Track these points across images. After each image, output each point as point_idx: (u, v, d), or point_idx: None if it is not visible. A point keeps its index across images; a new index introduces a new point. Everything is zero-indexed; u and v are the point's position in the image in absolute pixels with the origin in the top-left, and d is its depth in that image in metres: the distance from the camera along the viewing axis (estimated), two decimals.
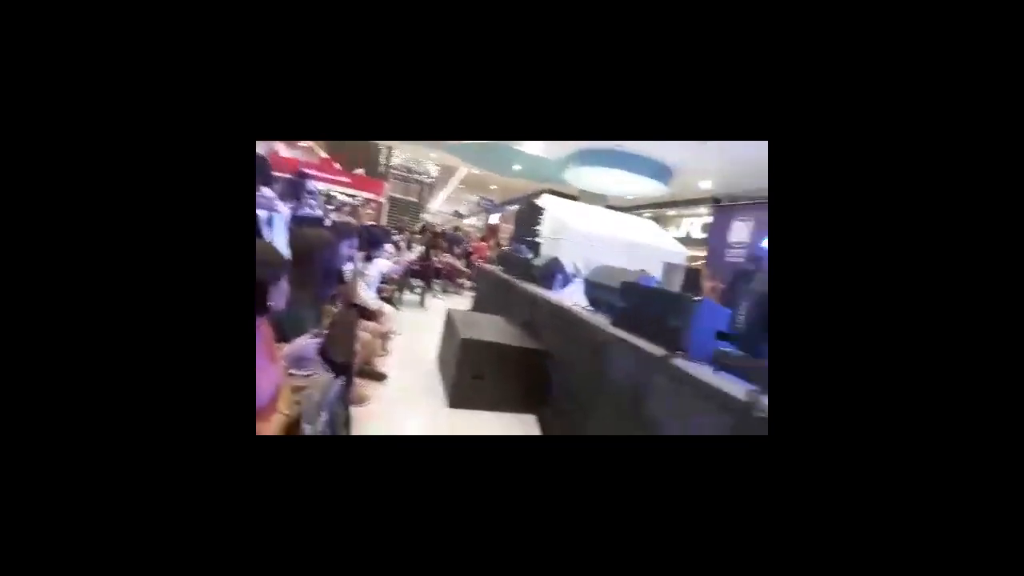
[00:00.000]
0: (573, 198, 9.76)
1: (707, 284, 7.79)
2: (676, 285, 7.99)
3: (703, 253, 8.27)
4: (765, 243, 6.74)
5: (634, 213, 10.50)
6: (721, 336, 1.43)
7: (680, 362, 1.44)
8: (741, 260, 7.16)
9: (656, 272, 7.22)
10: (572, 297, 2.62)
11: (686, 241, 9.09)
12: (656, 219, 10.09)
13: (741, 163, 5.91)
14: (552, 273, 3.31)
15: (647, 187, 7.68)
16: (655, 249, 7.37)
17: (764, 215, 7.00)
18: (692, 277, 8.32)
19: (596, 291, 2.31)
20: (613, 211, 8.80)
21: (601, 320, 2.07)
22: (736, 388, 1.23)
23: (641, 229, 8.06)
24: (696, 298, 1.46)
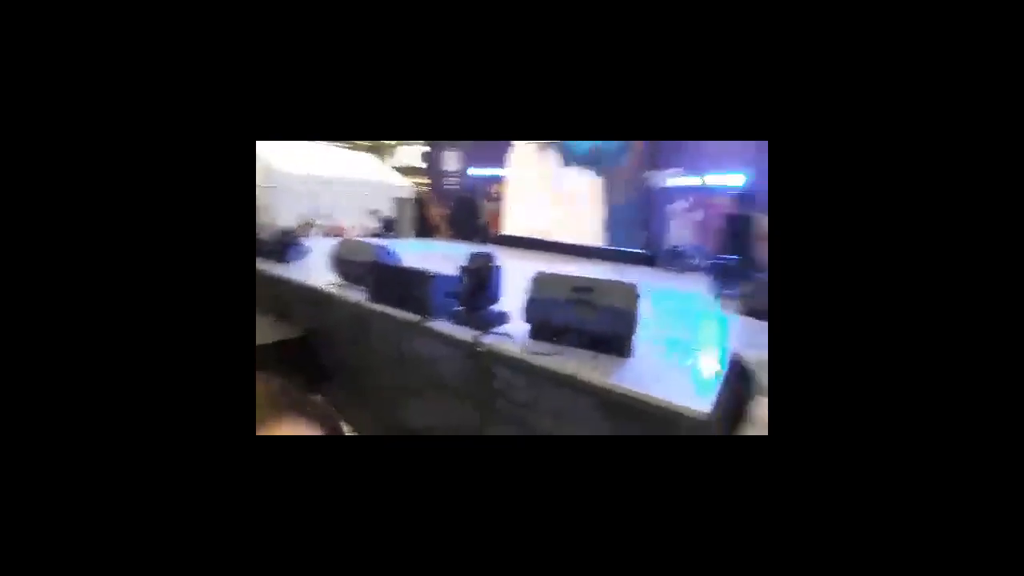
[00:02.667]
0: None
1: (435, 211, 8.65)
2: (409, 219, 8.36)
3: (428, 181, 9.00)
4: (470, 171, 7.97)
5: (350, 145, 9.91)
6: (450, 294, 1.97)
7: (430, 323, 1.92)
8: (457, 187, 8.25)
9: (386, 207, 7.24)
10: (319, 275, 2.63)
11: (408, 170, 9.55)
12: (375, 150, 9.93)
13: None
14: (283, 246, 3.08)
15: None
16: (381, 185, 7.49)
17: (470, 145, 8.11)
18: (421, 208, 8.81)
19: (345, 267, 2.45)
20: (328, 147, 8.07)
21: (356, 295, 2.28)
22: (464, 332, 1.83)
23: (362, 166, 7.86)
24: (430, 274, 1.92)
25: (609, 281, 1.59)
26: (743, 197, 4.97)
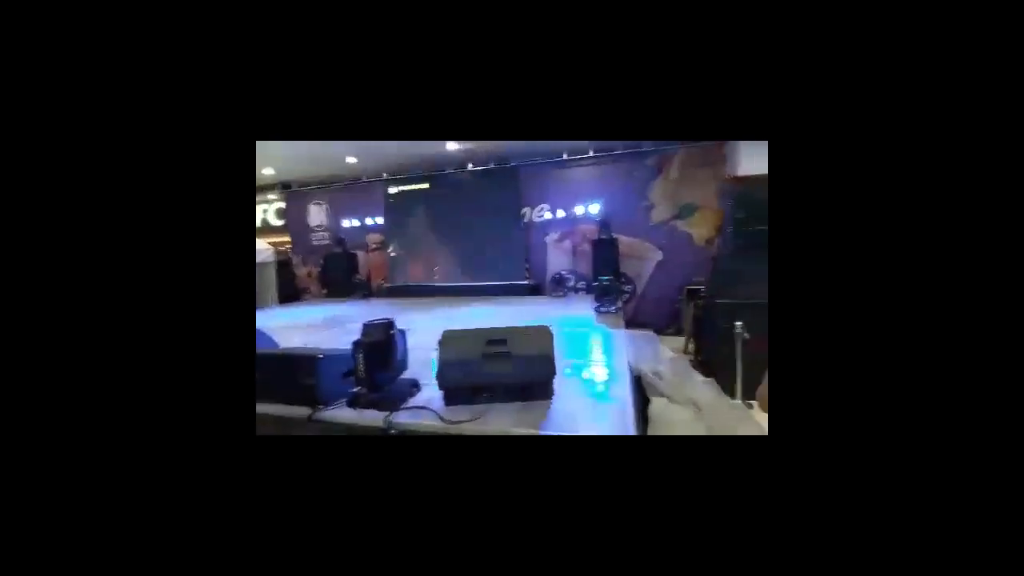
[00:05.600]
0: None
1: (302, 271, 7.78)
2: (272, 282, 7.42)
3: (287, 238, 8.08)
4: (343, 223, 7.46)
5: None
6: (348, 374, 1.70)
7: (324, 413, 1.61)
8: (327, 242, 7.60)
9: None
10: None
11: (264, 229, 8.47)
12: None
13: (300, 153, 6.00)
14: None
15: None
16: None
17: (336, 197, 7.61)
18: (285, 268, 7.91)
19: None
20: None
21: None
22: (372, 416, 1.57)
23: None
24: (320, 356, 1.62)
25: (522, 327, 1.56)
26: (602, 223, 5.66)
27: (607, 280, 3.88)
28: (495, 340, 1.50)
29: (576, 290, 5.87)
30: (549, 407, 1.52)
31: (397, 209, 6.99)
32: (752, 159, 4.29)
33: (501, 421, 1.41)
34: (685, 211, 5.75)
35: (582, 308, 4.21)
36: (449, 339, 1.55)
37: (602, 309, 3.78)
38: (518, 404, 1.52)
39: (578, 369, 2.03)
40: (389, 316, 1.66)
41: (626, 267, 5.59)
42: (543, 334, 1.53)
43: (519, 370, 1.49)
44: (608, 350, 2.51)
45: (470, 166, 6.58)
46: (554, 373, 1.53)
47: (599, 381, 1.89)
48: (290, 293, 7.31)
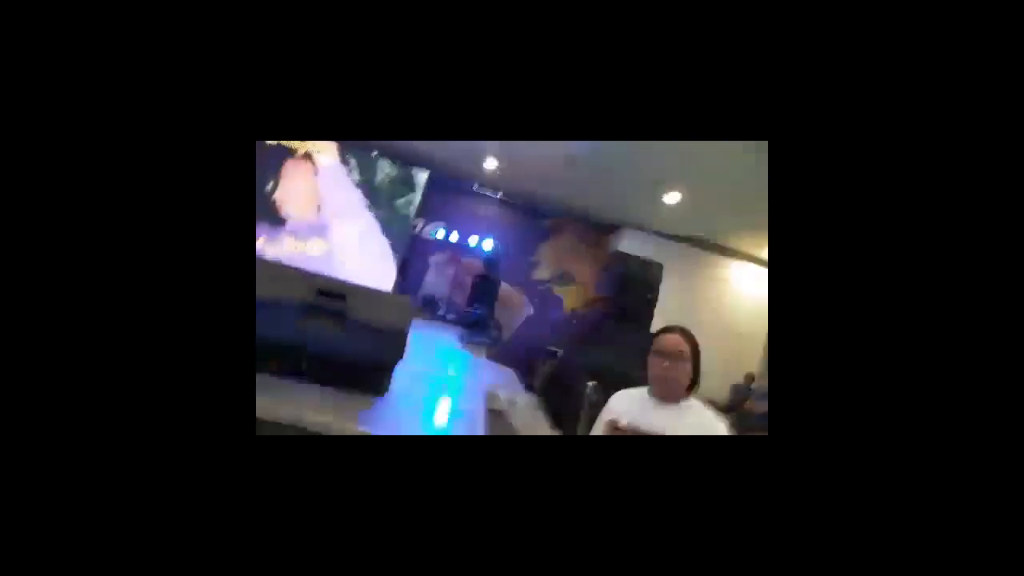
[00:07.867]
0: None
1: None
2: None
3: None
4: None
5: None
6: None
7: None
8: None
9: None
10: None
11: None
12: None
13: None
14: None
15: None
16: None
17: None
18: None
19: None
20: None
21: None
22: None
23: None
24: None
25: (373, 289, 1.18)
26: (490, 261, 5.66)
27: (481, 311, 3.70)
28: (331, 292, 1.09)
29: (445, 319, 5.54)
30: (381, 404, 1.13)
31: None
32: (634, 240, 4.91)
33: (318, 409, 0.97)
34: (564, 279, 6.15)
35: (441, 333, 3.92)
36: (269, 271, 1.07)
37: (473, 339, 3.54)
38: (346, 392, 1.09)
39: (428, 378, 1.69)
40: None
41: (498, 314, 5.55)
42: (401, 304, 1.18)
43: (356, 341, 1.09)
44: (468, 369, 2.23)
45: (375, 153, 6.05)
46: (400, 357, 1.17)
47: (451, 392, 1.57)
48: None
